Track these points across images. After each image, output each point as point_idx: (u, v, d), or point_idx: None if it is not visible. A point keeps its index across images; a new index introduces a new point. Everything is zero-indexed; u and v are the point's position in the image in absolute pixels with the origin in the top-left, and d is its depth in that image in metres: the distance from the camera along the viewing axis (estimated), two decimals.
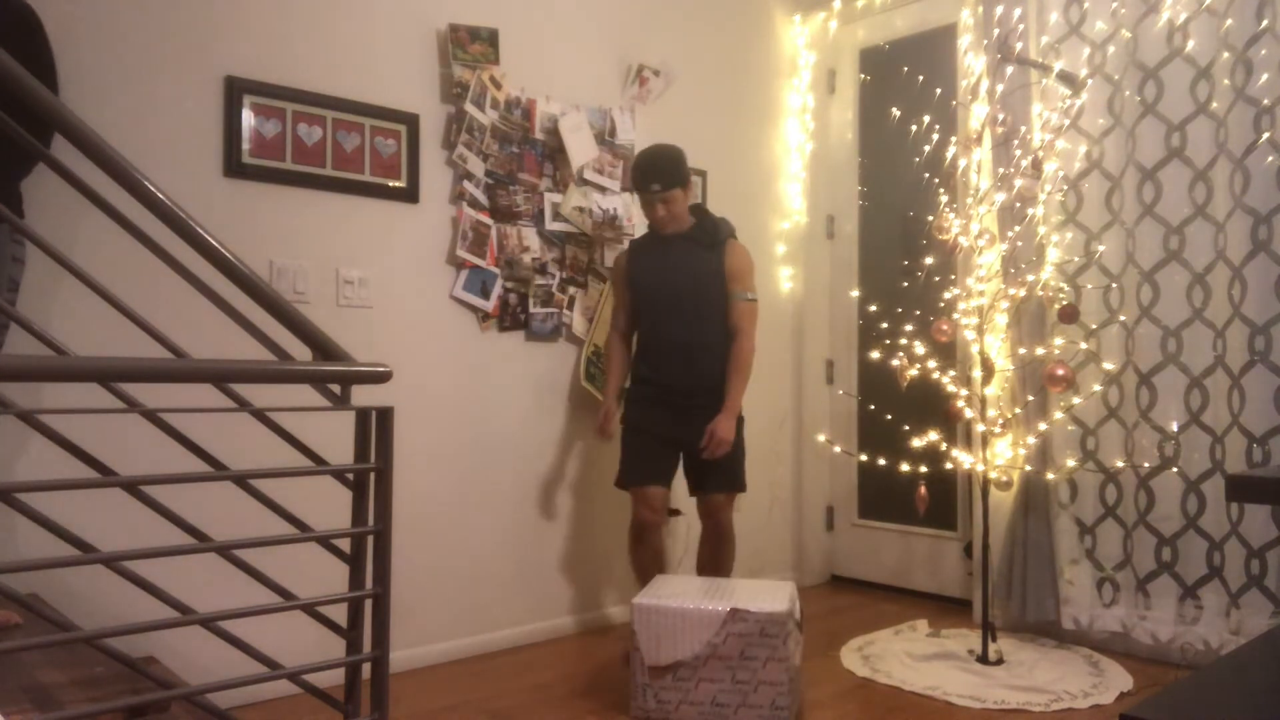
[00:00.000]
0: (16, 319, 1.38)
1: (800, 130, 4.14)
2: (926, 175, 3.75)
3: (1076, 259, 3.18)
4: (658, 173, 2.90)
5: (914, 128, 3.83)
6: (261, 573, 1.56)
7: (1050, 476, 3.17)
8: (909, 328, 3.38)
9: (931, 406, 3.44)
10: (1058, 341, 3.13)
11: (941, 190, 3.34)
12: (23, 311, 2.22)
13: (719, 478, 2.98)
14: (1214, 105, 2.89)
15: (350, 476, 1.66)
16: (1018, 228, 3.18)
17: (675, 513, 3.53)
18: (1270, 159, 2.79)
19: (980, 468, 3.06)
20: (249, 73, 2.63)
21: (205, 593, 2.20)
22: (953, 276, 3.53)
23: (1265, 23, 2.78)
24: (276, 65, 2.68)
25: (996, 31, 3.31)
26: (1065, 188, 3.20)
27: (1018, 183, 3.08)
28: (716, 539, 3.05)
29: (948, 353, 3.47)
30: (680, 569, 3.53)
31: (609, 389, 3.10)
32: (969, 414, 3.11)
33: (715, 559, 3.06)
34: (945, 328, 3.08)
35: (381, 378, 1.62)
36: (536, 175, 3.23)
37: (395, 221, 2.91)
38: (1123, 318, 3.08)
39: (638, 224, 3.51)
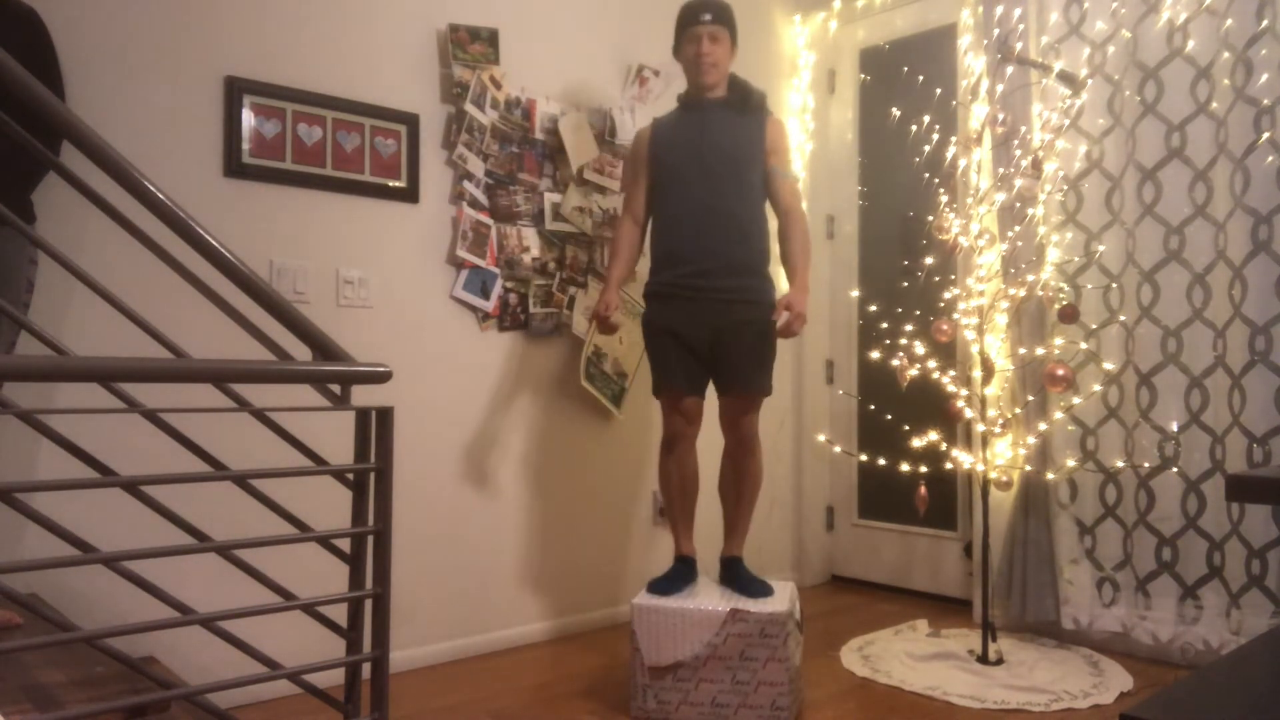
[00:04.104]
0: (16, 319, 1.38)
1: (800, 130, 4.14)
2: (926, 175, 3.75)
3: (1076, 259, 3.18)
4: (710, 5, 2.74)
5: (914, 128, 3.83)
6: (261, 573, 1.56)
7: (1050, 476, 3.17)
8: (909, 328, 3.38)
9: (931, 406, 3.44)
10: (1058, 341, 3.13)
11: (941, 190, 3.34)
12: (37, 311, 2.23)
13: (740, 378, 2.70)
14: (1214, 105, 2.89)
15: (350, 476, 1.66)
16: (1018, 228, 3.18)
17: None
18: (1270, 159, 2.79)
19: (980, 468, 3.06)
20: (249, 73, 2.63)
21: (205, 593, 2.20)
22: (953, 276, 3.54)
23: (1265, 23, 2.79)
24: (276, 65, 2.68)
25: (996, 31, 3.31)
26: (1065, 188, 3.20)
27: (1018, 183, 3.08)
28: (737, 450, 2.74)
29: (948, 353, 3.47)
30: None
31: (613, 276, 2.81)
32: (969, 414, 3.11)
33: (736, 476, 2.76)
34: (945, 328, 3.08)
35: (381, 378, 1.62)
36: (536, 175, 3.23)
37: (395, 221, 2.92)
38: (1123, 318, 3.08)
39: None
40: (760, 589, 2.57)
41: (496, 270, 3.13)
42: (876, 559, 4.03)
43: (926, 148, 3.76)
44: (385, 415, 1.63)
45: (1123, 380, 3.08)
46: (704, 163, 2.73)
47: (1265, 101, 2.79)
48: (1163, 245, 3.00)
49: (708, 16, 2.73)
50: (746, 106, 2.78)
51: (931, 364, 3.14)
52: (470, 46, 3.03)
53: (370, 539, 1.65)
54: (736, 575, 2.67)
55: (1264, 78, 2.79)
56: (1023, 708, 2.57)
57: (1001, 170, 3.22)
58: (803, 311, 2.59)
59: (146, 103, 2.46)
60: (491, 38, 3.08)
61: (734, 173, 2.73)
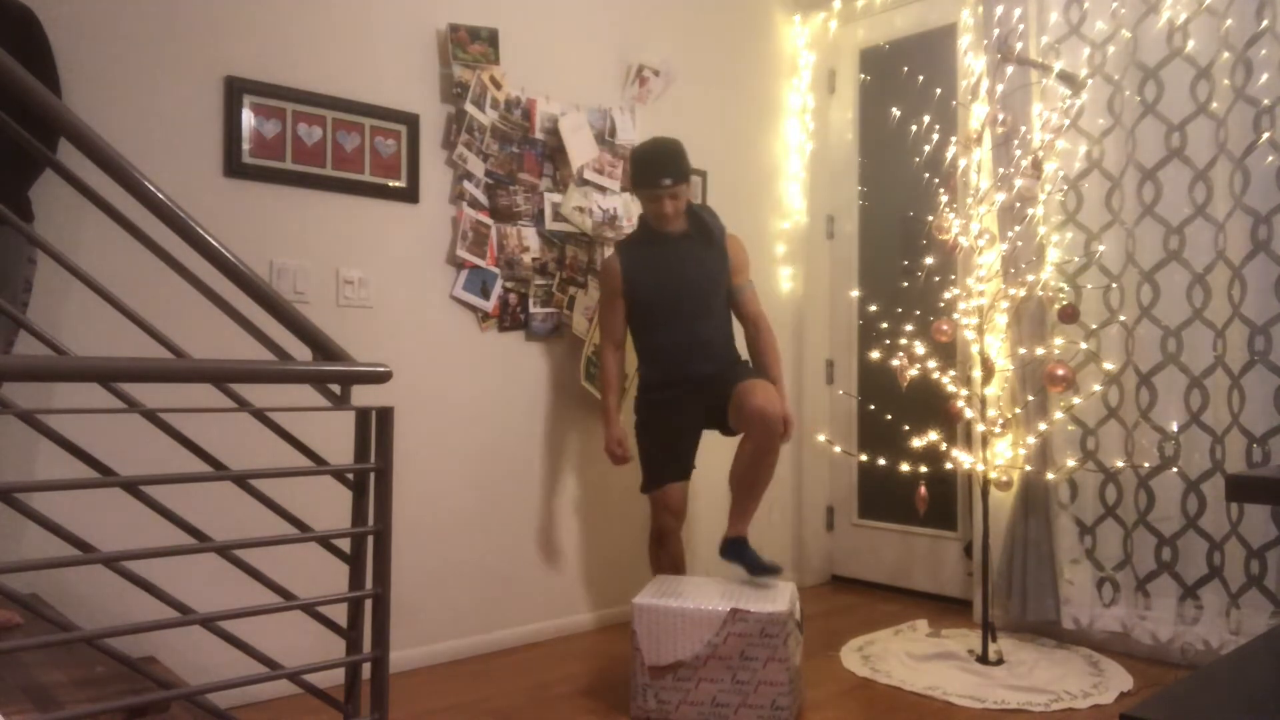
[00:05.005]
0: (15, 318, 1.38)
1: (800, 130, 4.14)
2: (926, 175, 3.75)
3: (1076, 259, 3.18)
4: (667, 167, 2.83)
5: (914, 128, 3.83)
6: (261, 573, 1.56)
7: (1050, 476, 3.17)
8: (909, 328, 3.38)
9: (931, 406, 3.44)
10: (1058, 341, 3.13)
11: (941, 190, 3.34)
12: (35, 310, 2.23)
13: (744, 375, 2.85)
14: (1214, 105, 2.89)
15: (350, 476, 1.66)
16: (1018, 228, 3.18)
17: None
18: (1270, 159, 2.79)
19: (980, 468, 3.06)
20: (249, 73, 2.63)
21: (205, 593, 2.20)
22: (953, 276, 3.54)
23: (1265, 23, 2.79)
24: (276, 65, 2.68)
25: (996, 31, 3.31)
26: (1065, 188, 3.20)
27: (1018, 183, 3.08)
28: (764, 434, 2.68)
29: (948, 353, 3.47)
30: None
31: (610, 406, 2.99)
32: (969, 414, 3.11)
33: (753, 469, 2.73)
34: (945, 328, 3.08)
35: (381, 378, 1.62)
36: (536, 175, 3.23)
37: (395, 221, 2.91)
38: (1123, 318, 3.08)
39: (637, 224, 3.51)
40: (768, 567, 2.61)
41: (496, 270, 3.13)
42: (876, 559, 4.03)
43: (926, 148, 3.76)
44: (385, 415, 1.63)
45: (1123, 380, 3.08)
46: (678, 298, 2.93)
47: (1265, 101, 2.79)
48: (1163, 245, 2.99)
49: (667, 181, 2.83)
50: (708, 240, 2.96)
51: (931, 364, 3.14)
52: (470, 46, 3.03)
53: (370, 539, 1.65)
54: (743, 552, 2.70)
55: (1264, 78, 2.79)
56: (1023, 708, 2.57)
57: (1001, 170, 3.22)
58: (791, 420, 2.80)
59: (146, 103, 2.46)
60: (491, 38, 3.08)
61: (705, 303, 2.95)
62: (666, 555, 2.98)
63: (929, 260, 3.66)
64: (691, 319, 2.92)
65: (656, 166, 2.83)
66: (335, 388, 1.65)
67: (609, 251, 3.39)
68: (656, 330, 2.96)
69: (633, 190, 2.98)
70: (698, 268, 2.94)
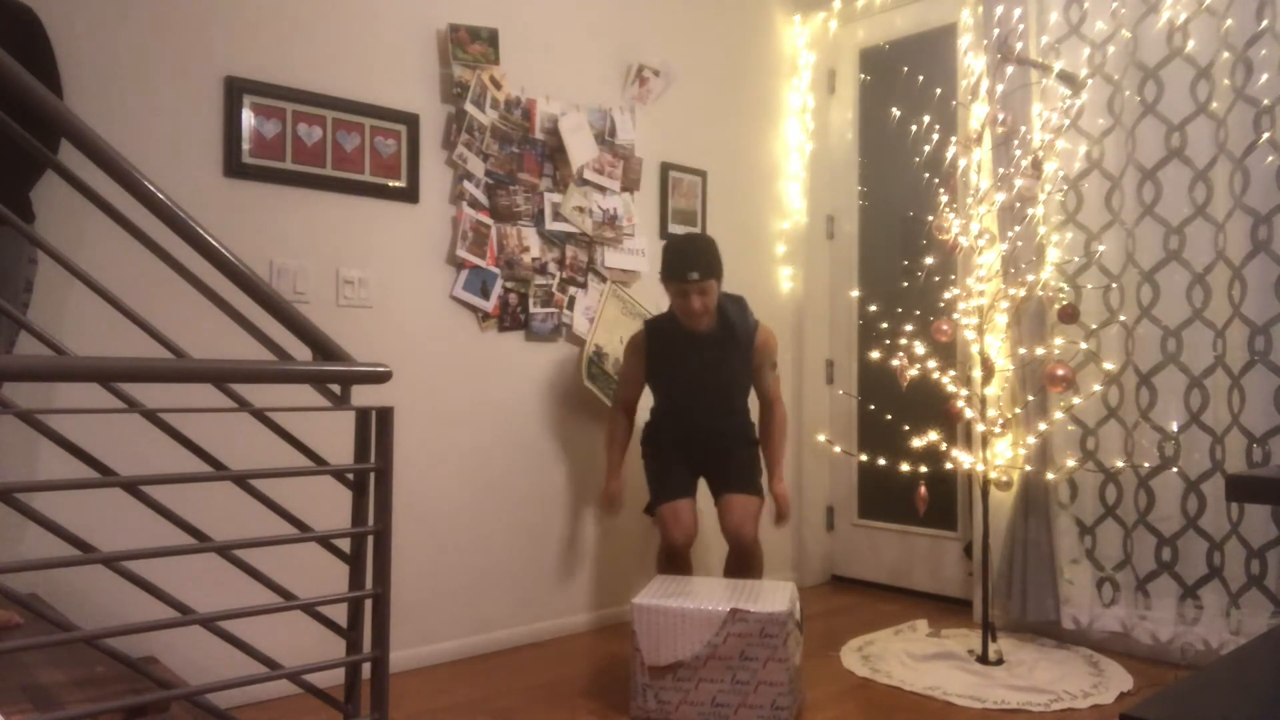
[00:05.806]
0: (16, 319, 1.38)
1: (800, 130, 4.14)
2: (926, 175, 3.75)
3: (1076, 259, 3.18)
4: (695, 260, 2.75)
5: (914, 128, 3.83)
6: (261, 573, 1.56)
7: (1050, 476, 3.17)
8: (909, 328, 3.38)
9: (931, 406, 3.44)
10: (1058, 341, 3.13)
11: (941, 190, 3.34)
12: (36, 310, 2.23)
13: (735, 478, 2.98)
14: (1214, 105, 2.89)
15: (350, 476, 1.66)
16: (1018, 228, 3.18)
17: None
18: (1270, 159, 2.79)
19: (980, 468, 3.06)
20: (249, 73, 2.63)
21: (205, 593, 2.20)
22: (953, 276, 3.54)
23: (1265, 23, 2.79)
24: (276, 65, 2.68)
25: (996, 31, 3.31)
26: (1065, 188, 3.20)
27: (1018, 183, 3.08)
28: (742, 555, 2.90)
29: (948, 353, 3.47)
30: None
31: (613, 463, 3.06)
32: (969, 414, 3.11)
33: (740, 567, 2.94)
34: (945, 328, 3.08)
35: (381, 378, 1.62)
36: (536, 175, 3.23)
37: (395, 221, 2.92)
38: (1123, 318, 3.08)
39: (638, 224, 3.51)
40: None
41: (496, 270, 3.13)
42: (876, 559, 4.03)
43: (926, 148, 3.76)
44: (385, 415, 1.63)
45: (1123, 380, 3.08)
46: (695, 396, 2.98)
47: (1265, 101, 2.79)
48: (1163, 245, 3.00)
49: (695, 275, 2.76)
50: (735, 342, 2.93)
51: (931, 364, 3.14)
52: (470, 46, 3.03)
53: (370, 539, 1.65)
54: None
55: (1264, 78, 2.79)
56: (1023, 708, 2.57)
57: (1001, 170, 3.22)
58: (786, 502, 2.98)
59: (146, 103, 2.46)
60: (491, 38, 3.08)
61: (723, 401, 3.00)
62: (676, 573, 2.94)
63: (929, 260, 3.66)
64: (715, 412, 3.00)
65: (685, 260, 2.76)
66: (335, 388, 1.65)
67: (609, 252, 3.40)
68: (675, 407, 3.03)
69: (663, 283, 2.90)
70: (720, 372, 2.94)
